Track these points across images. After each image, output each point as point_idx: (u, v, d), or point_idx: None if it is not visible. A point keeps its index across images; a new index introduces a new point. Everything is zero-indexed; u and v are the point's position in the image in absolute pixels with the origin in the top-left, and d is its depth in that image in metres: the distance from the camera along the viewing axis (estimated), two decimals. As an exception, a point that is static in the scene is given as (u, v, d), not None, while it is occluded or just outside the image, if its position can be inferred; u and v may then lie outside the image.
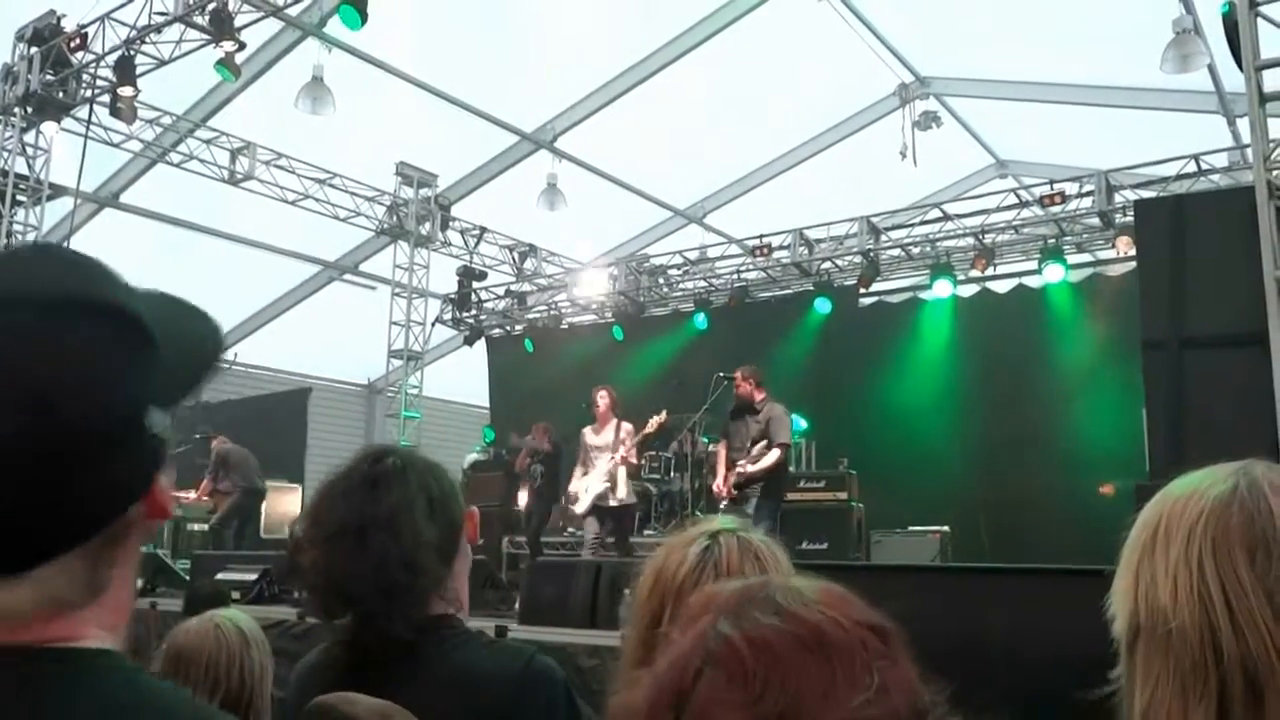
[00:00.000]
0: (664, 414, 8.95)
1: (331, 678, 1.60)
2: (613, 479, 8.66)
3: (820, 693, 0.65)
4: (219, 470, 11.47)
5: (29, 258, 0.82)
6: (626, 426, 8.82)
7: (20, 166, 11.00)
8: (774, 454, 8.04)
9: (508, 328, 16.10)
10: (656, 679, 0.70)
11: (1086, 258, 12.04)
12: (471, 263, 15.52)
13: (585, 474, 8.85)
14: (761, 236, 13.16)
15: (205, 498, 11.52)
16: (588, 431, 9.02)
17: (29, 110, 10.72)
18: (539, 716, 1.58)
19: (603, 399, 8.93)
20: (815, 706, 0.64)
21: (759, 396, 8.40)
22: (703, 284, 14.34)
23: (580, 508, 8.79)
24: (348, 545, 1.62)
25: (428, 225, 14.58)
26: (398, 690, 1.46)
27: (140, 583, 7.44)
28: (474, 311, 15.90)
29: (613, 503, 8.67)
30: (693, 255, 14.55)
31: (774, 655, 0.67)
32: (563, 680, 1.66)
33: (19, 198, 11.05)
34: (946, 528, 10.02)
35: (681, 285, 14.66)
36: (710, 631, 0.70)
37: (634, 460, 9.13)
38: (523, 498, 10.81)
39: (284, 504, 12.67)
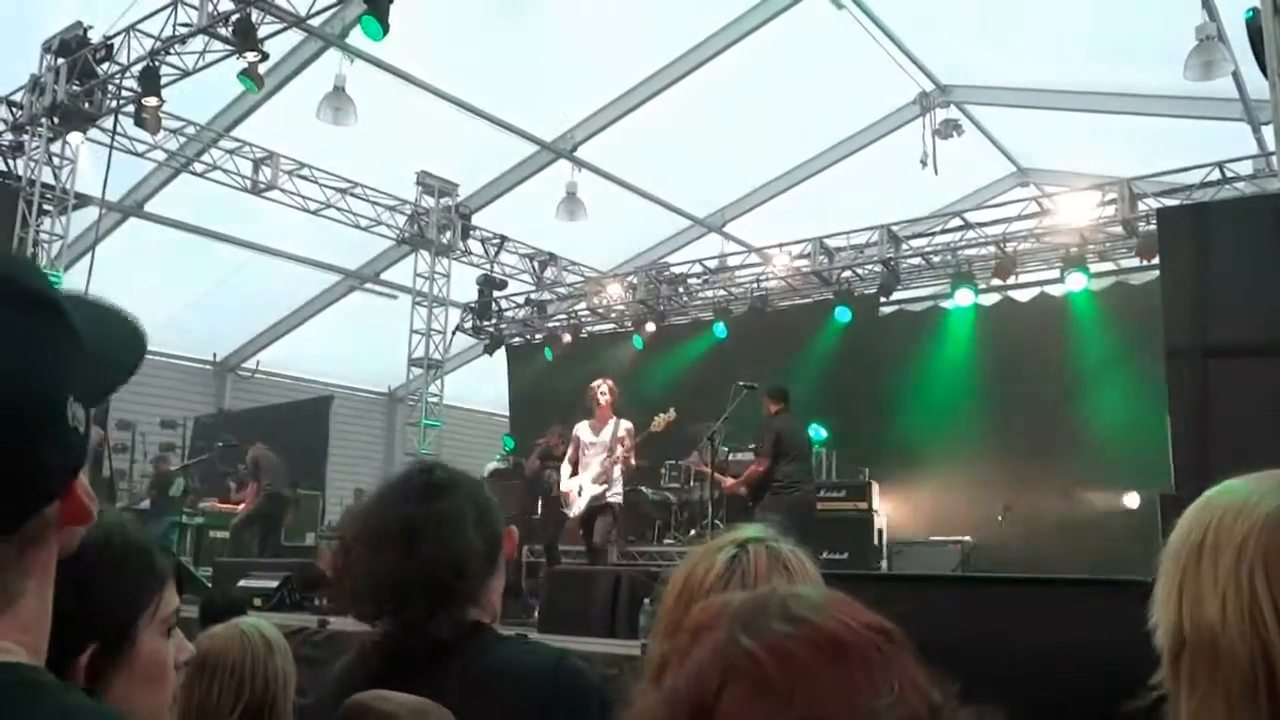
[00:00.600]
0: (672, 412, 8.64)
1: (368, 678, 1.61)
2: (609, 480, 8.17)
3: (846, 698, 0.65)
4: (255, 475, 11.52)
5: None
6: (626, 425, 8.31)
7: (47, 176, 11.12)
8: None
9: (528, 336, 16.14)
10: (674, 694, 0.70)
11: (1109, 266, 11.96)
12: (492, 271, 15.59)
13: (575, 473, 8.34)
14: (781, 245, 13.14)
15: (247, 506, 11.57)
16: (584, 427, 8.44)
17: (55, 121, 10.83)
18: (573, 711, 1.61)
19: (604, 395, 8.32)
20: (842, 712, 0.65)
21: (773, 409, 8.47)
22: (722, 293, 14.33)
23: (575, 510, 8.32)
24: (398, 549, 1.67)
25: (448, 234, 14.65)
26: (434, 688, 1.48)
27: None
28: (494, 320, 15.96)
29: (605, 500, 8.16)
30: (712, 264, 14.55)
31: (797, 664, 0.67)
32: (595, 682, 1.69)
33: (45, 207, 11.17)
34: (968, 538, 9.96)
35: (701, 294, 14.66)
36: (728, 643, 0.70)
37: (632, 461, 8.55)
38: (539, 506, 10.84)
39: (304, 511, 12.71)
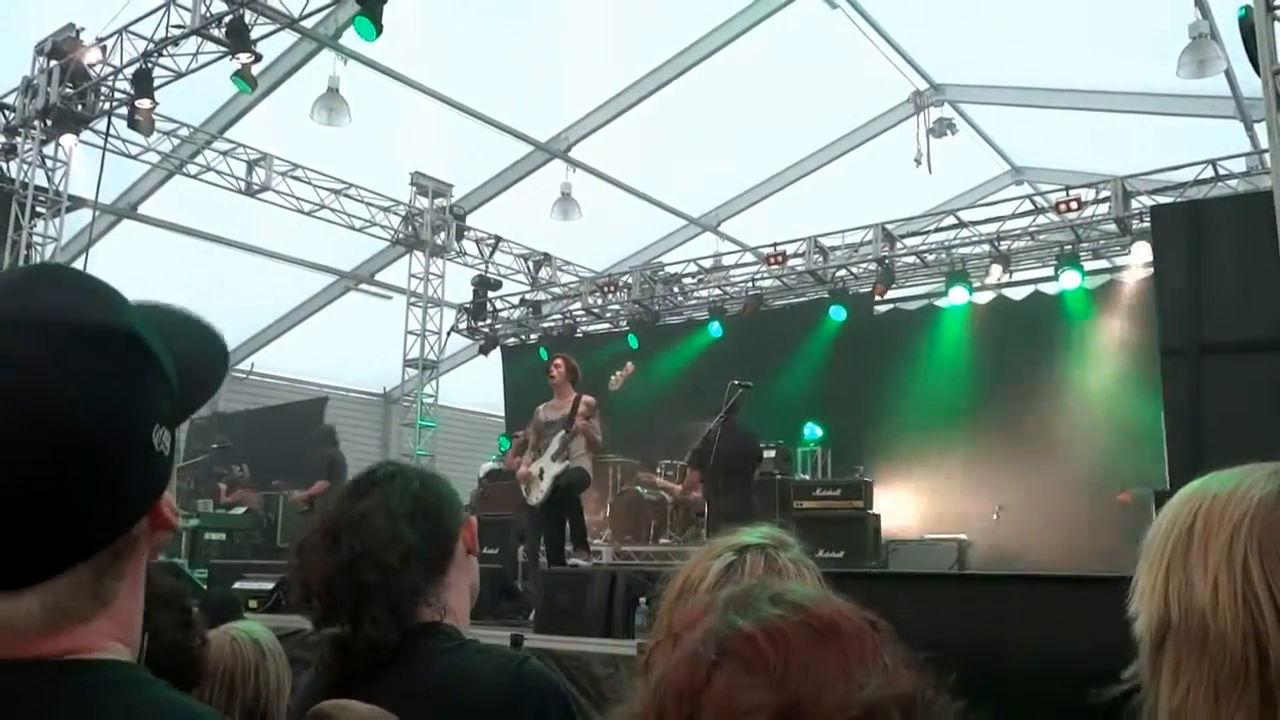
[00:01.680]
0: (629, 366, 8.30)
1: (325, 686, 1.60)
2: (569, 455, 7.67)
3: (840, 675, 0.65)
4: (329, 475, 11.43)
5: (37, 282, 0.83)
6: (588, 399, 7.86)
7: (40, 179, 11.09)
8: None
9: (523, 336, 16.14)
10: (664, 679, 0.69)
11: (1103, 264, 11.98)
12: (486, 272, 15.58)
13: (538, 455, 7.84)
14: (776, 244, 13.15)
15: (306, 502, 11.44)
16: (544, 408, 8.03)
17: (48, 123, 10.80)
18: (533, 717, 1.56)
19: (557, 368, 7.98)
20: (836, 689, 0.64)
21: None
22: (717, 292, 14.34)
23: (536, 497, 7.79)
24: (321, 548, 1.65)
25: (443, 235, 14.63)
26: (387, 696, 1.46)
27: (158, 592, 7.48)
28: (489, 321, 15.94)
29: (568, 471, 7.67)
30: (707, 263, 14.55)
31: (789, 643, 0.67)
32: (555, 686, 1.65)
33: (38, 209, 11.14)
34: (964, 536, 9.98)
35: (696, 294, 14.66)
36: (720, 625, 0.69)
37: (596, 435, 7.94)
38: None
39: (300, 513, 12.68)
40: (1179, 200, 9.98)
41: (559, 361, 8.12)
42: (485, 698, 1.56)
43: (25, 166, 11.07)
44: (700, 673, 0.67)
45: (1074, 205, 10.99)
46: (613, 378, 8.20)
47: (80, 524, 0.76)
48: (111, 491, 0.77)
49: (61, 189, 11.25)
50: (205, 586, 8.27)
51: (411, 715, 1.41)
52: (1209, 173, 10.43)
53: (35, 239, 11.16)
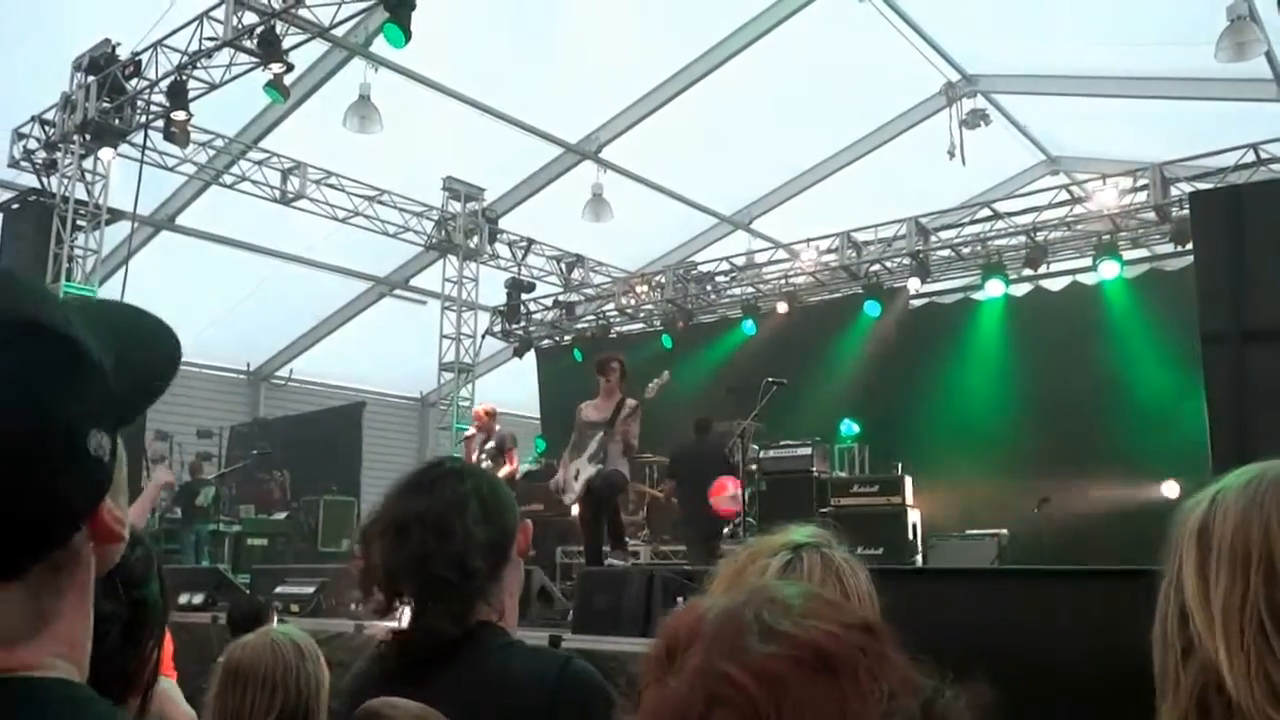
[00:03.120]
0: (665, 375, 8.24)
1: (377, 682, 1.61)
2: (604, 457, 7.64)
3: (836, 713, 0.63)
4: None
5: None
6: (631, 403, 7.78)
7: (80, 192, 11.28)
8: None
9: (557, 338, 16.18)
10: None
11: (1142, 253, 11.81)
12: (519, 275, 15.64)
13: (577, 456, 7.84)
14: (809, 240, 13.08)
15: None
16: (587, 406, 7.98)
17: (87, 137, 10.98)
18: (577, 718, 1.57)
19: (613, 371, 7.90)
20: None
21: None
22: (750, 290, 14.29)
23: (571, 497, 7.88)
24: (388, 541, 1.66)
25: (476, 239, 14.71)
26: (439, 693, 1.47)
27: (203, 597, 7.58)
28: (523, 323, 16.01)
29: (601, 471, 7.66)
30: (740, 261, 14.51)
31: (781, 685, 0.64)
32: (601, 685, 1.65)
33: (79, 223, 11.32)
34: (1005, 531, 9.86)
35: (729, 292, 14.63)
36: (707, 669, 0.67)
37: (633, 440, 7.88)
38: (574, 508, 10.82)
39: (340, 517, 12.81)
40: (1219, 186, 9.81)
41: (615, 365, 7.99)
42: (531, 697, 1.58)
43: (65, 180, 11.26)
44: None
45: (1111, 194, 10.84)
46: (649, 386, 8.07)
47: (10, 540, 0.70)
48: (42, 503, 0.70)
49: (101, 202, 11.43)
50: (247, 591, 8.37)
51: (460, 713, 1.43)
52: (1250, 157, 10.24)
53: (76, 252, 11.35)
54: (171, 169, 12.08)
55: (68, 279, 11.02)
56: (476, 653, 1.64)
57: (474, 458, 9.38)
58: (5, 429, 0.68)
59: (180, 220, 13.65)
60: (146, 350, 0.84)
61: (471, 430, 9.79)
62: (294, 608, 7.24)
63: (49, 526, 0.72)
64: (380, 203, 13.84)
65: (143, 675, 1.36)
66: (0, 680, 0.71)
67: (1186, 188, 10.39)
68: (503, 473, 8.98)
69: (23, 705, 0.71)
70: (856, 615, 0.71)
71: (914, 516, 9.98)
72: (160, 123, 10.81)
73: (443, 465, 1.78)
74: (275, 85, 9.96)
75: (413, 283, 16.42)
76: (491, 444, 9.48)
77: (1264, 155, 10.20)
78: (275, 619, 5.40)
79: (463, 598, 1.64)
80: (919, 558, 9.66)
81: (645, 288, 14.81)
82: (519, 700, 1.58)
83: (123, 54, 10.75)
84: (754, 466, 10.05)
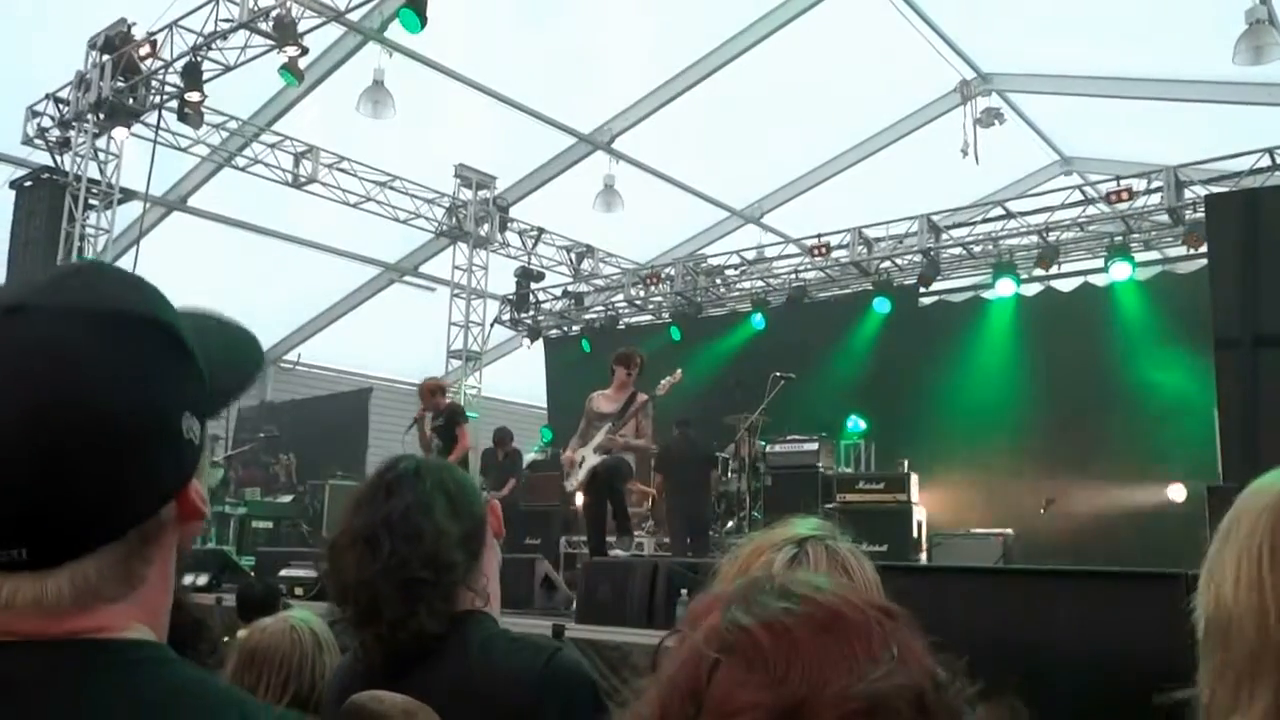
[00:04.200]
0: (678, 373, 8.24)
1: (362, 677, 1.61)
2: (610, 448, 7.68)
3: (844, 669, 0.64)
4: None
5: (79, 274, 0.87)
6: (643, 397, 7.82)
7: (93, 171, 11.31)
8: None
9: (565, 328, 16.18)
10: (668, 681, 0.68)
11: (1154, 255, 11.76)
12: (529, 264, 15.63)
13: (583, 444, 7.86)
14: (820, 236, 13.06)
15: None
16: (599, 397, 7.95)
17: (101, 116, 11.00)
18: (560, 715, 1.57)
19: (636, 366, 7.87)
20: (839, 682, 0.63)
21: None
22: (760, 284, 14.27)
23: (573, 483, 7.93)
24: (359, 552, 1.65)
25: (486, 227, 14.71)
26: (423, 685, 1.46)
27: (207, 579, 7.61)
28: (532, 312, 16.01)
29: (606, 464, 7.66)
30: (750, 255, 14.49)
31: (792, 638, 0.65)
32: (587, 677, 1.65)
33: (91, 202, 11.35)
34: (1010, 530, 9.85)
35: (739, 285, 14.61)
36: (722, 623, 0.68)
37: (644, 436, 7.93)
38: (578, 497, 10.85)
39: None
40: (1234, 189, 9.76)
41: (638, 360, 7.95)
42: (515, 689, 1.57)
43: (78, 159, 11.28)
44: (702, 671, 0.66)
45: (1125, 195, 10.79)
46: (661, 384, 8.09)
47: (108, 505, 0.77)
48: (139, 474, 0.78)
49: (113, 181, 11.46)
50: (252, 574, 8.40)
51: (445, 706, 1.42)
52: (1265, 161, 10.19)
53: (88, 231, 11.38)
54: (184, 150, 12.09)
55: (79, 257, 11.05)
56: (461, 646, 1.63)
57: (423, 437, 9.32)
58: (110, 410, 0.76)
59: (192, 201, 13.66)
60: (232, 346, 0.96)
61: (419, 410, 9.51)
62: (298, 591, 7.26)
63: (143, 499, 0.80)
64: (392, 188, 13.85)
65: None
66: (94, 640, 0.78)
67: (1201, 190, 10.34)
68: (456, 451, 8.90)
69: (115, 665, 0.78)
70: (882, 600, 0.72)
71: (919, 514, 9.98)
72: (174, 103, 10.83)
73: (399, 466, 1.75)
74: (290, 68, 9.97)
75: (422, 269, 16.42)
76: (441, 420, 9.27)
77: (1279, 159, 10.15)
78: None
79: (444, 594, 1.64)
80: (924, 555, 9.66)
81: (655, 280, 14.77)
82: (504, 694, 1.56)
83: (138, 34, 10.76)
84: (759, 461, 10.07)
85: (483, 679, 1.59)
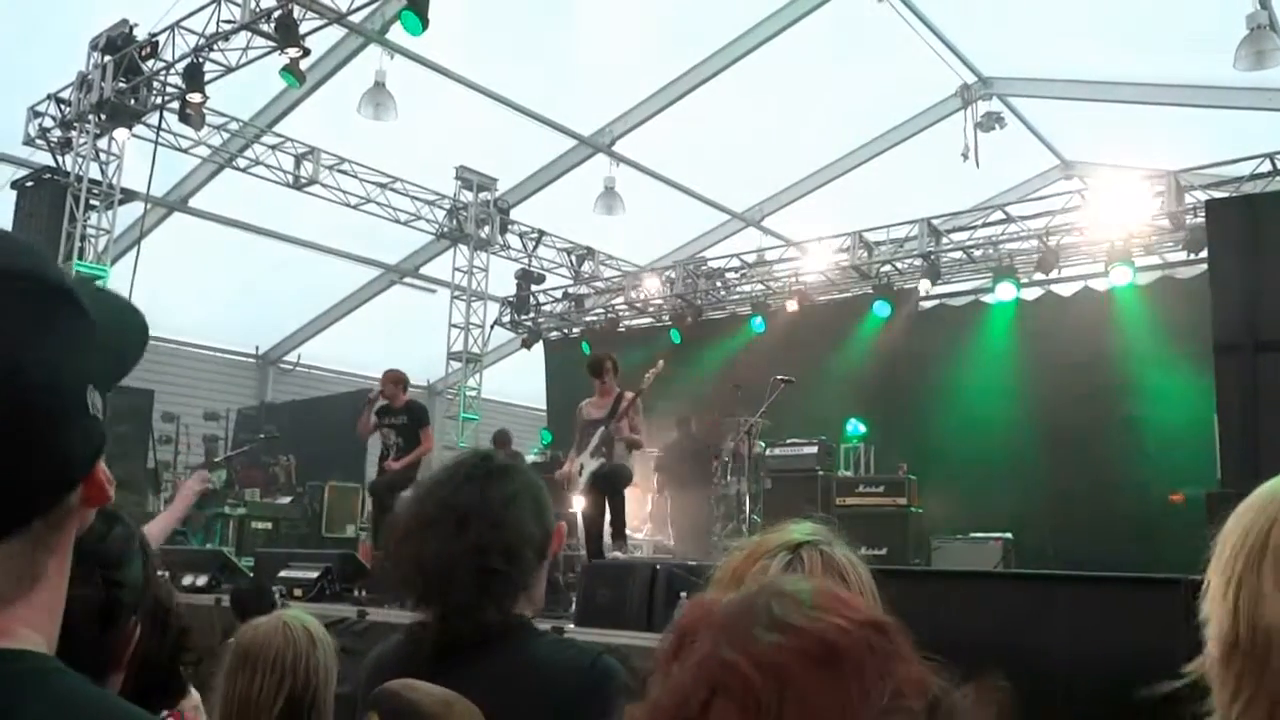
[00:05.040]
0: (660, 364, 8.15)
1: (403, 666, 1.62)
2: (608, 451, 7.68)
3: (838, 708, 0.62)
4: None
5: None
6: (629, 394, 7.81)
7: (94, 172, 11.30)
8: None
9: (565, 330, 16.19)
10: (657, 711, 0.67)
11: (1155, 260, 11.77)
12: (530, 266, 15.64)
13: (579, 454, 7.86)
14: (820, 239, 13.06)
15: None
16: (587, 405, 8.01)
17: (103, 117, 11.00)
18: (600, 713, 1.59)
19: (608, 372, 7.91)
20: None
21: None
22: (760, 287, 14.28)
23: (574, 490, 7.84)
24: (446, 532, 1.66)
25: (487, 229, 14.71)
26: (470, 680, 1.48)
27: (206, 579, 7.60)
28: (532, 314, 16.02)
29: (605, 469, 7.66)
30: (750, 258, 14.50)
31: (785, 676, 0.63)
32: (626, 682, 1.67)
33: (92, 202, 11.35)
34: (1009, 534, 9.85)
35: (739, 288, 14.61)
36: (712, 657, 0.66)
37: (638, 433, 7.88)
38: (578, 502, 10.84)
39: (345, 503, 12.84)
40: (1234, 195, 9.77)
41: (609, 364, 7.97)
42: (560, 685, 1.61)
43: (80, 160, 11.28)
44: (693, 709, 0.64)
45: (1125, 200, 10.79)
46: (645, 376, 8.04)
47: (14, 488, 0.69)
48: (49, 451, 0.70)
49: (114, 182, 11.45)
50: (252, 575, 8.39)
51: (492, 701, 1.44)
52: (1266, 167, 10.20)
53: (89, 231, 11.38)
54: (185, 151, 12.10)
55: (80, 258, 11.05)
56: (516, 641, 1.67)
57: (365, 421, 9.16)
58: (25, 376, 0.68)
59: (193, 202, 13.67)
60: (120, 320, 0.85)
61: (375, 397, 9.34)
62: (297, 592, 7.26)
63: (55, 480, 0.72)
64: (392, 190, 13.86)
65: (123, 654, 1.36)
66: None
67: (1201, 196, 10.35)
68: (417, 451, 8.78)
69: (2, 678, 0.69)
70: (868, 612, 0.70)
71: (919, 518, 9.98)
72: (175, 104, 10.83)
73: (494, 459, 1.79)
74: (291, 70, 9.97)
75: (423, 271, 16.43)
76: (403, 419, 9.07)
77: (1280, 165, 10.17)
78: (279, 603, 5.41)
79: (513, 590, 1.68)
80: (923, 560, 9.66)
81: (655, 282, 14.77)
82: (555, 685, 1.61)
83: (140, 35, 10.77)
84: (759, 462, 10.08)
85: (529, 673, 1.63)
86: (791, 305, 13.38)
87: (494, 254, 15.12)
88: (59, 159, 11.50)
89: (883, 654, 0.66)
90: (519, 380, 17.31)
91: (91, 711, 0.72)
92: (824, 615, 0.68)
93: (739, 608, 0.71)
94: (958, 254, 12.47)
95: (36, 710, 0.68)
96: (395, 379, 9.17)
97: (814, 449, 10.47)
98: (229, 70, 10.37)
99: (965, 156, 12.29)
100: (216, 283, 14.82)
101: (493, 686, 1.51)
